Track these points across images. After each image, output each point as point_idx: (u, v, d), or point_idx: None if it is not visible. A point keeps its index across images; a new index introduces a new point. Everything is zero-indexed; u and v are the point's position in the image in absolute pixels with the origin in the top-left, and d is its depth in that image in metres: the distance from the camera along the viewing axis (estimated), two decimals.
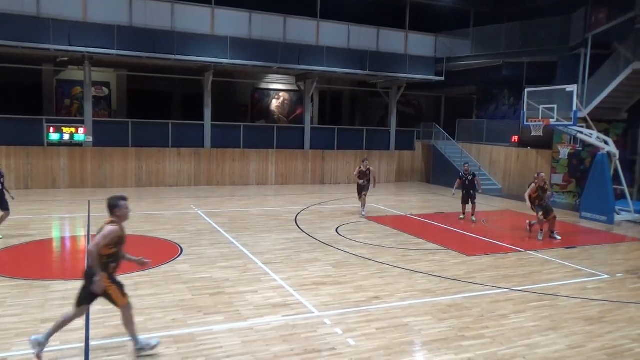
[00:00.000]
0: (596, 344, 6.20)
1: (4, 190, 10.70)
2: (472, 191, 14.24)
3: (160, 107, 24.14)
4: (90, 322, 6.34)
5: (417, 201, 18.63)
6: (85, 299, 5.47)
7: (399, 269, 9.20)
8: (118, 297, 5.54)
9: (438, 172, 24.16)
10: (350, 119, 29.54)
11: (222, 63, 19.17)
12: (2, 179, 10.65)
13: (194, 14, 18.95)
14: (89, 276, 5.40)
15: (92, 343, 5.77)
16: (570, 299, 7.87)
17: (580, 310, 7.35)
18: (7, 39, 16.09)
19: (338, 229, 12.56)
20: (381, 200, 17.84)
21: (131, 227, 11.99)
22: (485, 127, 24.16)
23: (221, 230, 11.98)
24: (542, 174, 12.40)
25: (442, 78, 22.83)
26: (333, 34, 21.19)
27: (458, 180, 14.58)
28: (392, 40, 22.44)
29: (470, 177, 14.36)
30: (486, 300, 7.69)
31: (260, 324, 6.48)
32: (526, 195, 12.18)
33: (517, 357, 5.77)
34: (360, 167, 14.81)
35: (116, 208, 5.60)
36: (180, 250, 10.00)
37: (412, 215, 15.22)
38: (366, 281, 8.40)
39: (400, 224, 13.65)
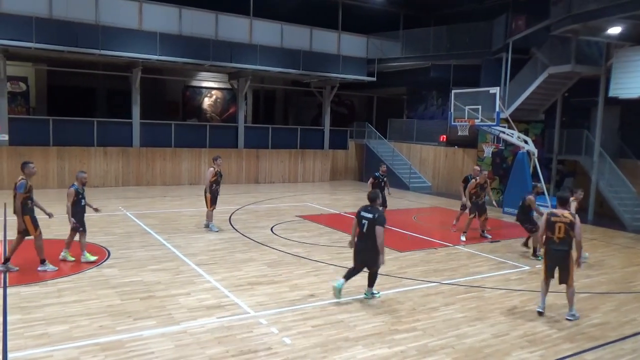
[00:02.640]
0: (518, 332, 6.57)
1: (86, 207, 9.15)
2: (383, 194, 13.01)
3: (84, 104, 22.98)
4: (9, 333, 5.92)
5: (350, 199, 18.92)
6: None
7: (334, 266, 9.30)
8: None
9: (371, 171, 24.44)
10: (284, 118, 29.52)
11: (150, 59, 18.51)
12: (83, 194, 9.00)
13: (120, 8, 18.13)
14: None
15: (10, 355, 5.39)
16: (495, 290, 8.30)
17: (504, 301, 7.76)
18: None
19: (273, 228, 12.51)
20: (315, 199, 17.96)
21: (54, 231, 11.35)
22: (415, 126, 24.97)
23: (152, 232, 11.58)
24: (485, 172, 12.67)
25: (374, 78, 23.32)
26: (266, 32, 21.05)
27: (372, 179, 13.40)
28: (325, 41, 22.62)
29: (385, 179, 13.45)
30: (417, 294, 7.95)
31: (194, 326, 6.32)
32: (466, 191, 12.50)
33: (446, 348, 6.00)
34: (214, 168, 12.04)
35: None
36: (107, 254, 9.56)
37: (346, 213, 15.43)
38: (302, 279, 8.42)
39: (335, 222, 13.81)
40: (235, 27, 20.39)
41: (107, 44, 17.54)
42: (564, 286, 7.09)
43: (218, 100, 26.62)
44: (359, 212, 7.47)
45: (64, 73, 20.12)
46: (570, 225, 6.91)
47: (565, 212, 7.05)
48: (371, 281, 7.63)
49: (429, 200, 19.41)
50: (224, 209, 15.08)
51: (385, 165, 14.28)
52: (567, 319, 7.05)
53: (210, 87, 26.27)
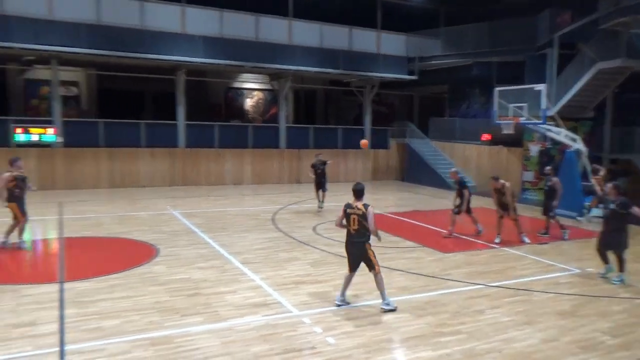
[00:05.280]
0: (569, 338, 6.36)
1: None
2: (322, 179, 15.33)
3: (132, 107, 23.75)
4: (65, 326, 6.20)
5: (393, 199, 18.80)
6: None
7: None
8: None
9: (412, 170, 24.42)
10: (325, 118, 29.61)
11: (194, 62, 18.97)
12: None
13: (164, 12, 18.69)
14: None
15: (66, 347, 5.65)
16: (543, 293, 8.06)
17: (553, 305, 7.53)
18: None
19: (315, 228, 12.57)
20: None
21: (105, 229, 11.82)
22: (458, 125, 24.55)
23: (198, 231, 11.86)
24: (499, 181, 11.53)
25: (415, 77, 23.10)
26: (305, 33, 21.19)
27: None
28: (365, 40, 22.55)
29: (322, 167, 15.45)
30: (462, 296, 7.81)
31: (239, 324, 6.44)
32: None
33: (493, 352, 5.88)
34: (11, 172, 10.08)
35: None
36: (156, 252, 9.86)
37: (388, 213, 15.34)
38: None
39: (377, 222, 13.62)
40: (276, 29, 20.62)
41: (152, 47, 18.09)
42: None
43: (260, 101, 26.96)
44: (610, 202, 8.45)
45: (112, 77, 20.87)
46: (363, 216, 6.99)
47: (359, 204, 7.08)
48: (621, 265, 8.47)
49: (473, 201, 18.99)
50: (266, 209, 15.30)
51: (319, 154, 16.10)
52: (382, 309, 6.98)
53: (252, 88, 26.65)
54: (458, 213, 11.98)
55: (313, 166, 15.52)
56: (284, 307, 7.10)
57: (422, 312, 7.07)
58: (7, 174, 9.90)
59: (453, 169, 12.90)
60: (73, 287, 7.60)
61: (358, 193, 7.16)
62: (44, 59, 18.16)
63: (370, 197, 19.23)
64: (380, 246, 10.83)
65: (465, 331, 6.44)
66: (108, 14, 17.72)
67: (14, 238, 10.03)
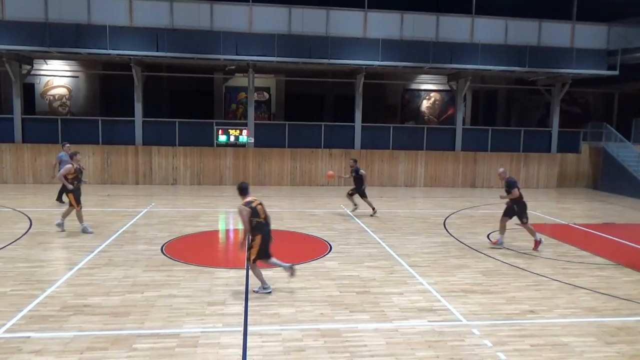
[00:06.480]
0: None
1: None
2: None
3: (314, 110, 25.33)
4: (249, 309, 6.90)
5: (581, 209, 16.90)
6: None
7: (558, 282, 8.45)
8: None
9: (608, 178, 21.63)
10: (506, 119, 27.87)
11: (373, 65, 19.46)
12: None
13: (347, 19, 19.53)
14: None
15: (249, 328, 6.28)
16: None
17: None
18: (186, 51, 18.29)
19: (489, 235, 11.94)
20: (539, 207, 16.50)
21: (285, 223, 12.82)
22: None
23: (368, 231, 12.16)
24: None
25: (616, 72, 20.38)
26: (489, 29, 20.21)
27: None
28: (556, 33, 20.65)
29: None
30: None
31: (405, 326, 6.45)
32: None
33: None
34: (72, 164, 11.36)
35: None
36: (329, 248, 10.37)
37: (575, 224, 13.85)
38: (520, 292, 7.87)
39: (561, 233, 12.50)
40: (456, 27, 20.09)
41: (335, 53, 19.05)
42: None
43: (436, 102, 26.51)
44: None
45: (298, 82, 22.49)
46: (262, 205, 7.54)
47: (253, 197, 7.55)
48: None
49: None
50: (438, 213, 14.99)
51: (352, 160, 14.70)
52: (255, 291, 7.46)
53: (429, 89, 26.34)
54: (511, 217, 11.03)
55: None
56: (452, 314, 6.90)
57: (613, 338, 6.25)
58: (69, 165, 11.20)
59: (500, 169, 11.42)
60: None
61: (247, 190, 7.66)
62: (242, 68, 20.39)
63: (556, 205, 17.57)
64: (565, 260, 9.89)
65: None
66: (297, 23, 19.20)
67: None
